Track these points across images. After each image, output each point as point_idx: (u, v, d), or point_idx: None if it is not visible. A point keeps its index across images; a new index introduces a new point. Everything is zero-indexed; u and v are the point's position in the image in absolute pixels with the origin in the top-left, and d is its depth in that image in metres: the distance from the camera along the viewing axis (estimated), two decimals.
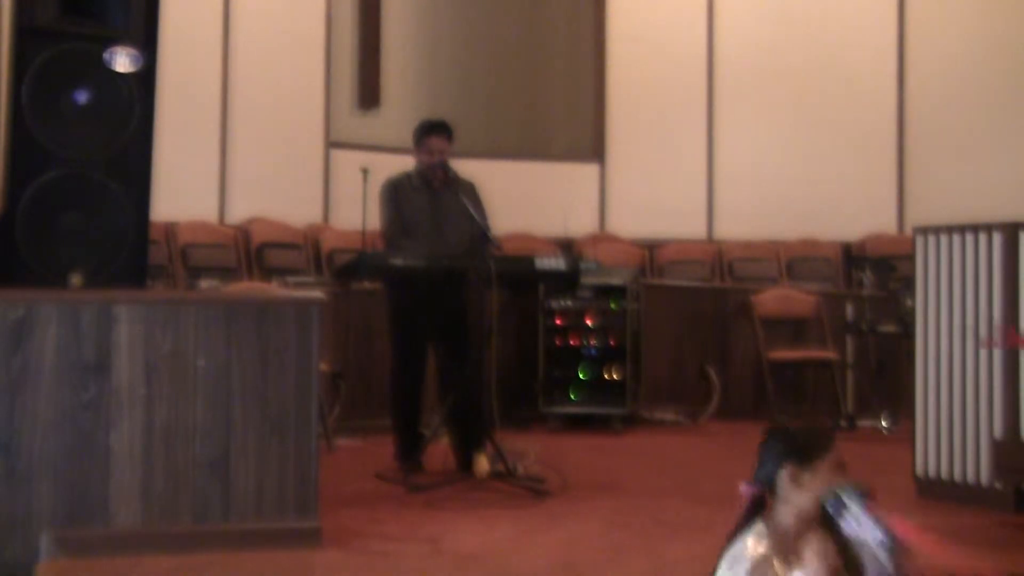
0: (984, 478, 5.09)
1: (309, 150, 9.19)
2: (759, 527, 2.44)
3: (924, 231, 5.42)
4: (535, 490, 5.31)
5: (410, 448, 5.82)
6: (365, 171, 6.80)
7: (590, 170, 10.13)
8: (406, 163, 6.07)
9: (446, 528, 4.63)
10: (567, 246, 8.88)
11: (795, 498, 2.43)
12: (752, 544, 2.42)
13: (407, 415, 5.92)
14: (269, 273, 8.36)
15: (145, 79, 4.45)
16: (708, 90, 10.17)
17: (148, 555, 4.01)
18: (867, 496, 2.43)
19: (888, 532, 2.34)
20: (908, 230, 8.63)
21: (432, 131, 5.94)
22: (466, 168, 6.23)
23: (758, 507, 2.47)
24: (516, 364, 7.51)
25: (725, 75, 10.16)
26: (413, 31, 10.10)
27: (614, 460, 6.60)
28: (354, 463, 6.05)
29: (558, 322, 7.57)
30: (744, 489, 2.49)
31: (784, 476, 2.44)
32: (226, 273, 8.18)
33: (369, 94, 9.68)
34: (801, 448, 2.47)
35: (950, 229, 5.29)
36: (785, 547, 2.42)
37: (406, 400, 5.92)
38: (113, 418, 4.04)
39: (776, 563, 2.39)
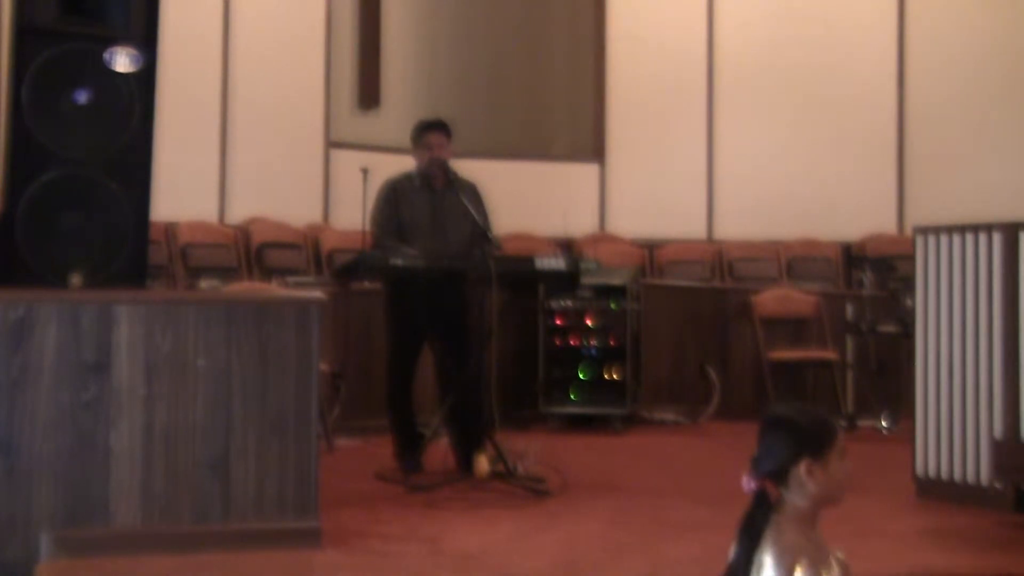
0: (984, 478, 5.09)
1: (309, 150, 9.19)
2: (777, 519, 2.45)
3: (924, 231, 5.42)
4: (535, 490, 5.31)
5: (408, 446, 5.82)
6: (365, 171, 6.83)
7: (590, 170, 10.13)
8: (406, 163, 6.07)
9: (446, 528, 4.63)
10: (567, 246, 8.88)
11: (810, 489, 2.45)
12: (790, 535, 2.43)
13: (403, 413, 5.92)
14: (269, 273, 8.35)
15: (145, 79, 4.45)
16: (708, 90, 10.18)
17: (148, 555, 4.01)
18: None
19: None
20: (908, 230, 8.64)
21: (430, 128, 5.96)
22: (466, 168, 6.23)
23: (766, 500, 2.48)
24: (516, 364, 7.51)
25: (725, 75, 10.17)
26: (413, 31, 10.10)
27: (614, 460, 6.60)
28: (354, 463, 6.05)
29: (558, 322, 7.57)
30: (747, 483, 2.48)
31: (801, 470, 2.45)
32: (226, 273, 8.18)
33: (369, 94, 9.69)
34: (813, 439, 2.47)
35: (950, 229, 5.28)
36: (808, 534, 2.45)
37: (401, 398, 5.93)
38: (113, 418, 4.03)
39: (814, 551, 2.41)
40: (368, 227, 6.09)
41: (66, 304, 4.05)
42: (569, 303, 7.53)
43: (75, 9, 4.34)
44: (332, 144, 9.26)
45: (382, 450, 6.02)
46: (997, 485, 5.03)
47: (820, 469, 2.45)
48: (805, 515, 2.47)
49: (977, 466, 5.12)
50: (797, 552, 2.40)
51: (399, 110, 9.46)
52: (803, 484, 2.45)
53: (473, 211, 5.79)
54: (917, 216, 9.34)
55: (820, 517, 2.50)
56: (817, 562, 2.40)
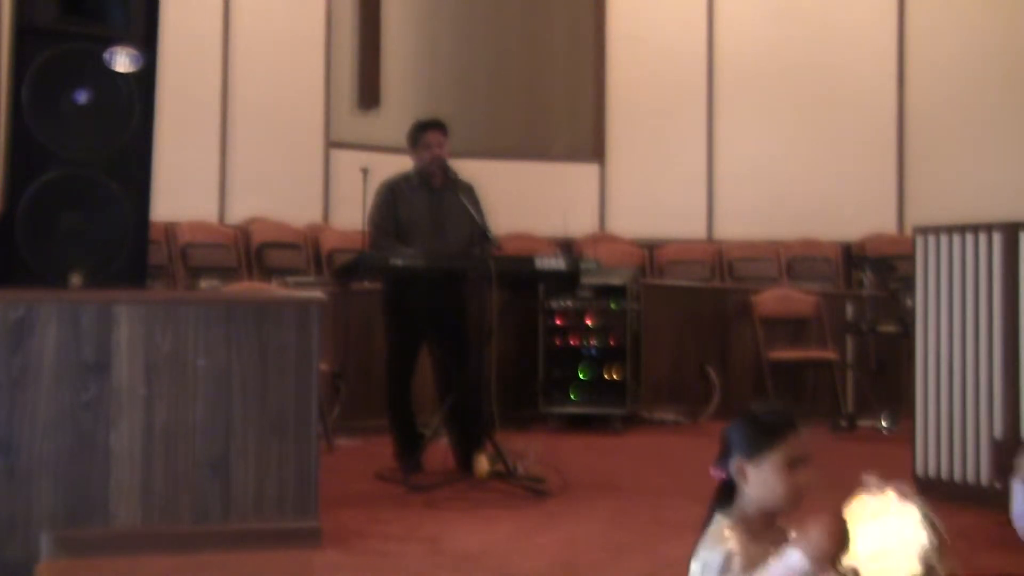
0: (984, 478, 5.09)
1: (309, 150, 9.19)
2: (728, 514, 2.39)
3: (924, 231, 5.42)
4: (535, 490, 5.31)
5: (408, 446, 5.82)
6: (365, 171, 6.83)
7: (590, 170, 10.13)
8: (406, 163, 6.07)
9: (446, 528, 4.63)
10: (567, 246, 8.88)
11: (748, 490, 2.36)
12: (726, 531, 2.38)
13: (403, 413, 5.92)
14: (269, 273, 8.36)
15: (145, 79, 4.44)
16: (708, 90, 10.18)
17: (148, 555, 4.01)
18: None
19: None
20: (908, 230, 8.64)
21: (429, 127, 5.96)
22: (466, 168, 6.23)
23: (728, 491, 2.40)
24: (516, 364, 7.51)
25: (725, 75, 10.17)
26: (413, 31, 10.10)
27: (614, 460, 6.60)
28: (354, 463, 6.05)
29: (558, 322, 7.57)
30: (714, 472, 2.43)
31: (733, 468, 2.36)
32: (226, 273, 8.19)
33: (369, 94, 9.69)
34: (748, 440, 2.35)
35: (950, 229, 5.28)
36: (752, 536, 2.36)
37: (401, 398, 5.93)
38: (113, 418, 4.04)
39: (739, 557, 2.33)
40: (367, 228, 6.09)
41: (66, 304, 4.05)
42: (569, 303, 7.53)
43: (75, 9, 4.34)
44: (332, 144, 9.26)
45: (382, 450, 6.02)
46: (997, 485, 5.02)
47: (754, 472, 2.33)
48: (751, 516, 2.37)
49: (977, 466, 5.12)
50: (732, 554, 2.32)
51: (399, 110, 9.45)
52: (740, 484, 2.35)
53: (472, 211, 5.79)
54: (917, 216, 9.34)
55: (774, 521, 2.38)
56: (753, 564, 2.28)
